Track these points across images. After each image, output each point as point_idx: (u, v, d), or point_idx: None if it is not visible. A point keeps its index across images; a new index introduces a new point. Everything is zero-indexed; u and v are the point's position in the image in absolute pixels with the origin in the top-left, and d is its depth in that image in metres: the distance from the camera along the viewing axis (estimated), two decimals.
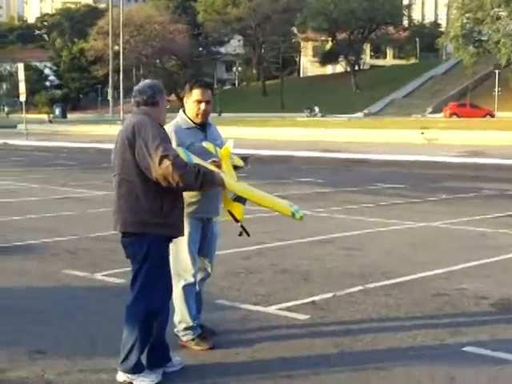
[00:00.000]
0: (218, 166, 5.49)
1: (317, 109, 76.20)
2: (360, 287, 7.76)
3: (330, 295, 7.44)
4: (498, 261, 9.17)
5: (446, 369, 5.41)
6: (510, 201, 15.18)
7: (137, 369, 5.18)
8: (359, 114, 77.79)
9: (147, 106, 5.23)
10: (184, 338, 6.00)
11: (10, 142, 41.34)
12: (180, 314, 5.94)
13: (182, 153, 5.25)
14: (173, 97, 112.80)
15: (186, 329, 5.96)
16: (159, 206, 5.13)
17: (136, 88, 5.32)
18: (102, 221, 12.42)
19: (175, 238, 5.38)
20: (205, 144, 5.72)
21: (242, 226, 5.55)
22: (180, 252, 5.80)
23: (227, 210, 5.53)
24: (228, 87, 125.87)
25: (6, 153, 32.78)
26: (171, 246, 5.47)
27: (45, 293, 7.72)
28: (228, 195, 5.49)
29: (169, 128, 5.70)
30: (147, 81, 5.43)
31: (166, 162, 4.90)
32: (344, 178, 20.24)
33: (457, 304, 7.15)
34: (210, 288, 7.59)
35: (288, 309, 6.99)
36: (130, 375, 5.20)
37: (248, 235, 5.59)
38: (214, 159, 5.58)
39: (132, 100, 5.31)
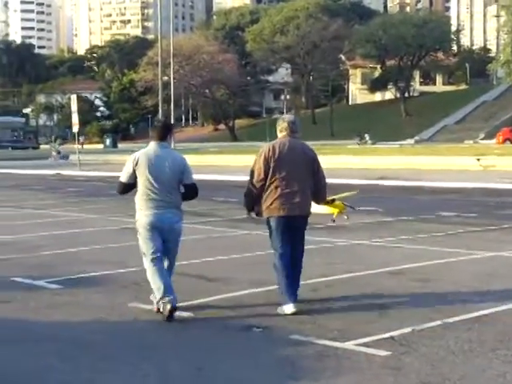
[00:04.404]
0: None
1: (367, 136, 75.82)
2: (439, 322, 7.41)
3: (408, 330, 7.11)
4: None
5: None
6: None
7: None
8: (410, 141, 77.18)
9: (298, 133, 8.16)
10: None
11: (64, 172, 41.54)
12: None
13: None
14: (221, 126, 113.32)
15: None
16: None
17: (290, 120, 8.23)
18: None
19: None
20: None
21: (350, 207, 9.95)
22: None
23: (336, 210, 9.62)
24: (276, 116, 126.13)
25: (61, 184, 32.91)
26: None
27: (111, 327, 7.55)
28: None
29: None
30: (291, 115, 9.00)
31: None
32: (404, 207, 19.72)
33: None
34: (281, 322, 7.38)
35: (366, 344, 6.68)
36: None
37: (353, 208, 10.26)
38: None
39: (290, 127, 8.10)
